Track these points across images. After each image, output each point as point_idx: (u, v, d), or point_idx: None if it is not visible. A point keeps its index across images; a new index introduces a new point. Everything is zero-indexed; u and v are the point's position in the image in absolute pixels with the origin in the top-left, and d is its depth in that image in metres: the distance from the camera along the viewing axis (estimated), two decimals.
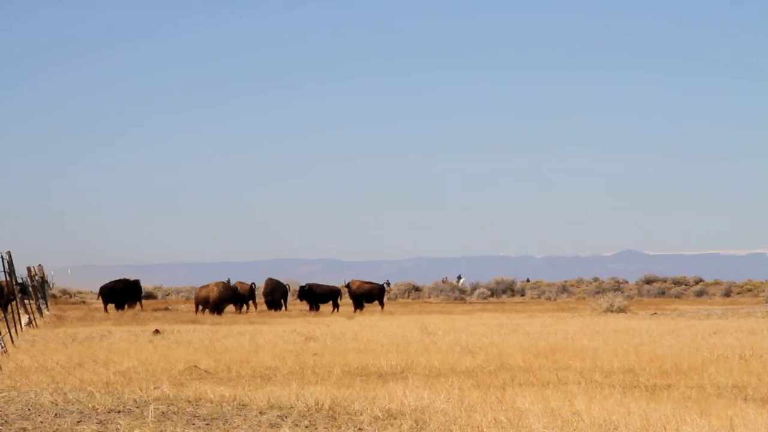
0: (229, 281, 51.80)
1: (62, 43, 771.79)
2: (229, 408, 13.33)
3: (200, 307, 48.34)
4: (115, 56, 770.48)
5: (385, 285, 57.42)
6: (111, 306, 51.37)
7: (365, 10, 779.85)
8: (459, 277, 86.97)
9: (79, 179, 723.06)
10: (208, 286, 49.54)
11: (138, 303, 51.78)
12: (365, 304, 54.05)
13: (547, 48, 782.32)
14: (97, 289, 59.07)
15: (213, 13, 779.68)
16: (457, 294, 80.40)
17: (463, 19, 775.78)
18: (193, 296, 52.22)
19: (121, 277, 53.02)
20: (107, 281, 53.13)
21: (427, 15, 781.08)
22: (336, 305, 52.50)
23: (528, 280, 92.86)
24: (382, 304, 54.70)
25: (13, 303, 30.72)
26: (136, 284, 52.28)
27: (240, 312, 50.04)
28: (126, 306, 51.00)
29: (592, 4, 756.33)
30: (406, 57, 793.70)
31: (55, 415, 12.77)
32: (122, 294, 51.64)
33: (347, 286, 54.79)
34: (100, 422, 12.29)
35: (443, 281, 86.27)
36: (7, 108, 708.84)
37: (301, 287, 53.91)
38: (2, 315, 26.45)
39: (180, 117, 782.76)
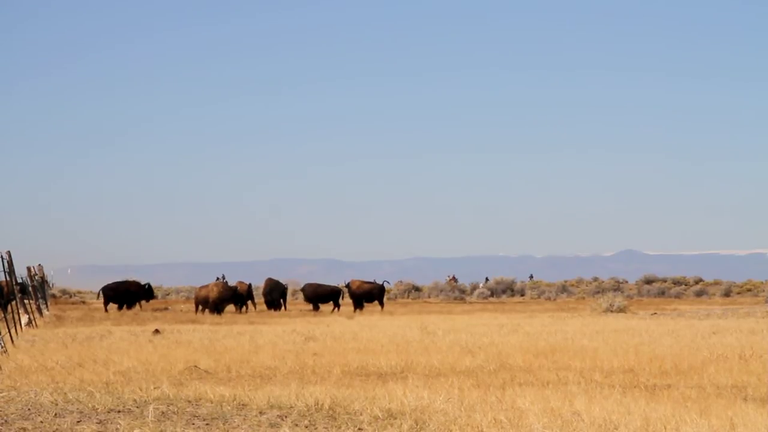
0: (223, 277, 51.85)
1: (62, 43, 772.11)
2: (229, 408, 13.34)
3: (200, 307, 48.36)
4: (115, 56, 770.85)
5: (385, 284, 57.45)
6: (110, 306, 51.46)
7: (365, 10, 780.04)
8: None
9: (79, 179, 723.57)
10: (207, 285, 49.56)
11: (138, 303, 51.91)
12: (365, 304, 54.07)
13: (547, 48, 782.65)
14: (96, 289, 59.23)
15: (213, 13, 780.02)
16: (456, 294, 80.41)
17: (464, 19, 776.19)
18: (193, 296, 52.22)
19: (125, 279, 53.42)
20: (106, 281, 53.38)
21: (428, 15, 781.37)
22: (337, 305, 52.65)
23: (531, 277, 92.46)
24: (382, 304, 54.67)
25: (13, 303, 30.72)
26: (137, 286, 52.44)
27: (240, 312, 50.08)
28: (126, 306, 51.20)
29: (592, 4, 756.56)
30: (407, 57, 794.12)
31: (55, 414, 12.77)
32: (124, 295, 51.85)
33: (347, 285, 54.84)
34: (99, 422, 12.29)
35: (451, 279, 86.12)
36: (7, 108, 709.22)
37: (304, 287, 54.14)
38: (2, 315, 26.45)
39: (180, 117, 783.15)
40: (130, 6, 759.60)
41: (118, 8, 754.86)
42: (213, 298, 48.11)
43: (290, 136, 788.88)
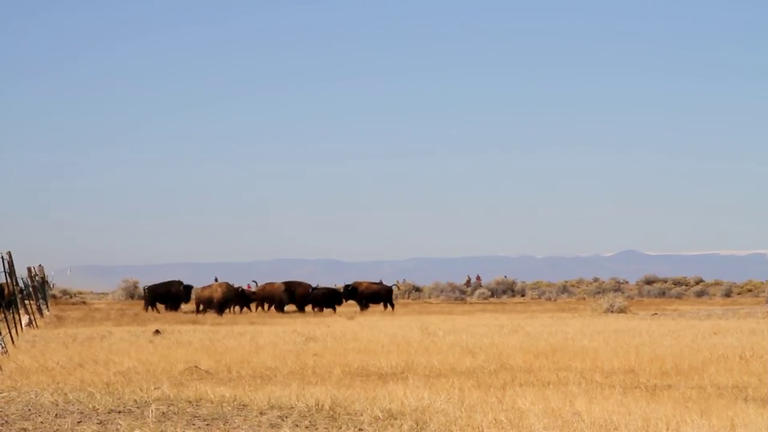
0: (216, 280, 52.02)
1: (62, 43, 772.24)
2: (230, 408, 13.33)
3: (201, 307, 48.38)
4: (115, 56, 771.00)
5: (394, 286, 57.86)
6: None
7: (365, 9, 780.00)
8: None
9: (79, 179, 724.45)
10: (211, 286, 49.60)
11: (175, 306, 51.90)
12: (371, 305, 54.24)
13: (547, 48, 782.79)
14: (96, 290, 59.32)
15: (213, 13, 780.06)
16: (457, 294, 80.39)
17: (465, 19, 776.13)
18: (195, 296, 52.14)
19: (170, 280, 53.94)
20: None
21: (428, 15, 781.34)
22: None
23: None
24: (391, 305, 54.68)
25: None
26: (179, 286, 52.60)
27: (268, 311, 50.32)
28: (167, 307, 51.46)
29: (592, 4, 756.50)
30: (406, 57, 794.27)
31: (56, 415, 12.77)
32: (165, 296, 52.12)
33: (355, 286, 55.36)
34: (100, 422, 12.29)
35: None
36: (7, 108, 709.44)
37: (346, 286, 54.04)
38: (2, 315, 26.45)
39: (180, 117, 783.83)
40: (130, 6, 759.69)
41: (118, 8, 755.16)
42: (217, 298, 48.11)
43: (290, 136, 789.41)
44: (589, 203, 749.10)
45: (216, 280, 52.61)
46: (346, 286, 54.08)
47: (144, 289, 53.77)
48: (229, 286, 49.01)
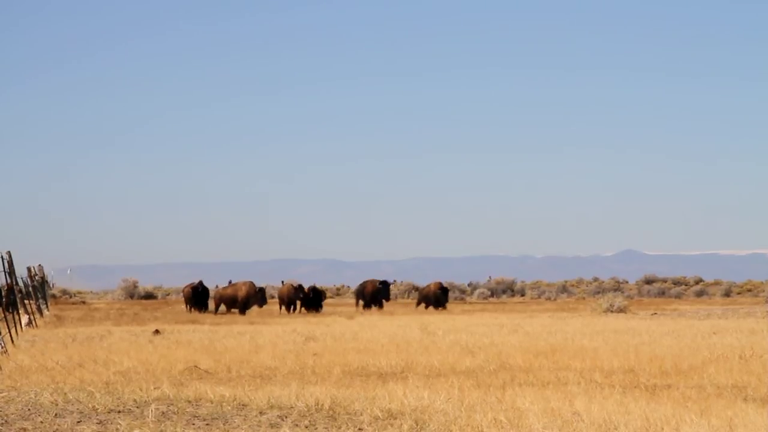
0: (230, 283, 52.00)
1: (62, 43, 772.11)
2: (229, 408, 13.34)
3: (222, 306, 48.39)
4: (116, 56, 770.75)
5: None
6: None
7: (365, 9, 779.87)
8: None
9: (79, 179, 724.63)
10: (235, 285, 49.51)
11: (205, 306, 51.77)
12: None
13: (547, 48, 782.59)
14: (96, 289, 59.24)
15: (213, 13, 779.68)
16: (457, 294, 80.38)
17: (464, 19, 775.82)
18: (216, 295, 51.38)
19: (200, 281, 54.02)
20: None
21: (428, 15, 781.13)
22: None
23: (490, 278, 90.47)
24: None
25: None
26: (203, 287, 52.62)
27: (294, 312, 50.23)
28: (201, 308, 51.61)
29: (592, 4, 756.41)
30: (407, 57, 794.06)
31: (55, 415, 12.77)
32: (201, 295, 52.11)
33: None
34: (100, 422, 12.29)
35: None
36: (7, 108, 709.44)
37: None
38: (2, 315, 26.45)
39: (180, 117, 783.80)
40: (130, 6, 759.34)
41: (118, 8, 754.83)
42: (242, 297, 48.11)
43: (290, 136, 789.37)
44: (589, 203, 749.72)
45: (230, 282, 52.56)
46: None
47: (185, 291, 53.79)
48: (252, 285, 48.99)
